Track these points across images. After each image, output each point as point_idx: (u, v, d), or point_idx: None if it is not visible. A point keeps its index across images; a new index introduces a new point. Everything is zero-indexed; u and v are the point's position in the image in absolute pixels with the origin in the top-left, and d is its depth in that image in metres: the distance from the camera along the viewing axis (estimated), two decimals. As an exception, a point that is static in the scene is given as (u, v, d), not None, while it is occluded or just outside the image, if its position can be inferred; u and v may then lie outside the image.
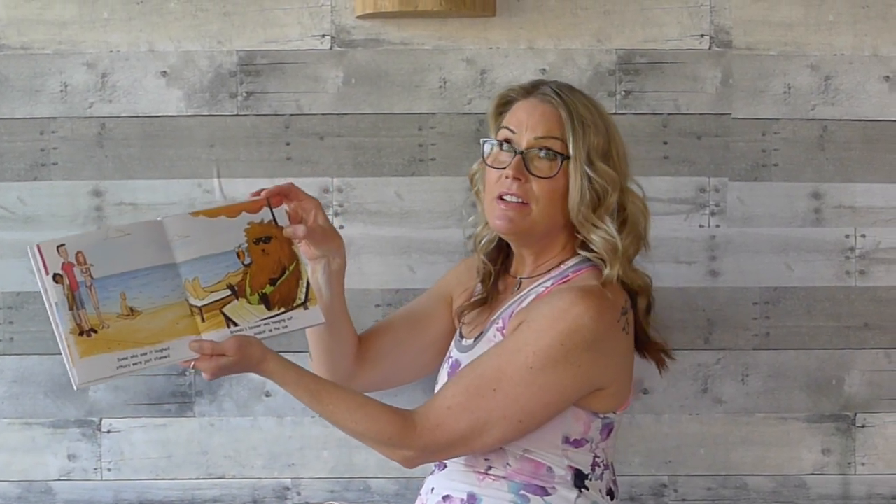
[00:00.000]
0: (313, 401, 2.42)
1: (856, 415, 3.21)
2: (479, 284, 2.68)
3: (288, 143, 3.15)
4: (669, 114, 3.15)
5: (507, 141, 2.55)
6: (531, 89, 2.58)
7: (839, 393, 3.20)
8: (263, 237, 2.50)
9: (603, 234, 2.49)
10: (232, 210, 2.50)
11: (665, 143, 3.15)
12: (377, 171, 3.16)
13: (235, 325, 2.43)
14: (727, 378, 3.19)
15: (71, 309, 2.31)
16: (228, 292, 2.44)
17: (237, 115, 3.15)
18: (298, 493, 3.20)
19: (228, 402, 3.16)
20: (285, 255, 2.52)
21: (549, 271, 2.55)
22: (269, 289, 2.47)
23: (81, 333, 2.31)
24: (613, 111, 3.11)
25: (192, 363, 2.39)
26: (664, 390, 3.18)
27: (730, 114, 3.16)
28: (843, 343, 3.19)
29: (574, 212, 2.49)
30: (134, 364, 2.35)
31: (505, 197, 2.51)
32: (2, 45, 3.12)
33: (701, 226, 3.16)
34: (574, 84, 2.73)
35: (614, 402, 2.49)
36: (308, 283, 2.52)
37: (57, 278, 2.32)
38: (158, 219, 2.44)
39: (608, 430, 2.50)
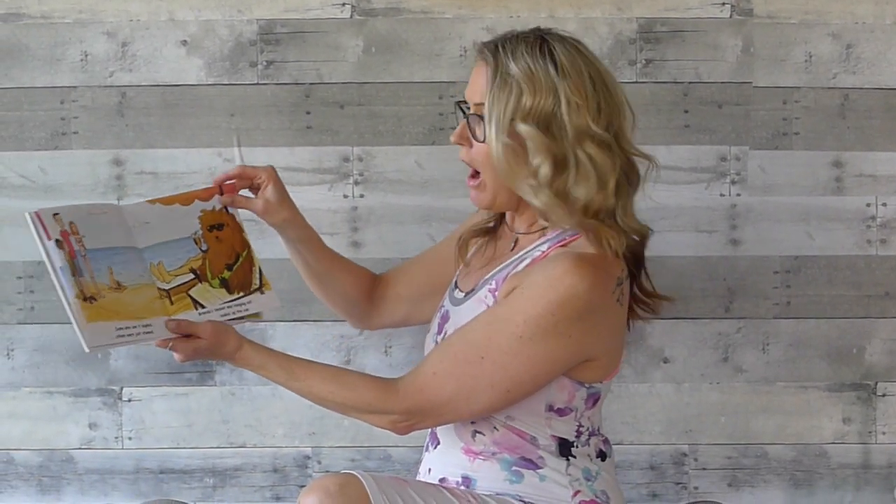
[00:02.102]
0: (289, 378, 2.41)
1: (876, 384, 3.20)
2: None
3: (308, 113, 3.15)
4: (690, 82, 3.14)
5: (461, 108, 2.49)
6: (481, 46, 2.47)
7: (860, 362, 3.20)
8: (216, 224, 2.50)
9: (528, 194, 2.37)
10: (185, 198, 2.50)
11: (686, 111, 3.14)
12: (397, 140, 3.16)
13: (203, 307, 2.43)
14: (748, 347, 3.19)
15: (73, 275, 2.31)
16: (192, 276, 2.44)
17: (257, 84, 3.15)
18: (319, 462, 3.20)
19: (249, 371, 3.15)
20: (238, 242, 2.52)
21: (544, 230, 2.46)
22: (227, 273, 2.48)
23: (85, 300, 2.30)
24: (634, 80, 3.11)
25: (169, 343, 2.38)
26: (685, 359, 3.18)
27: (751, 82, 3.15)
28: (864, 312, 3.19)
29: (501, 174, 2.39)
30: (128, 336, 2.34)
31: (468, 166, 2.47)
32: (22, 14, 3.12)
33: (722, 195, 3.16)
34: (595, 51, 2.56)
35: (602, 372, 2.44)
36: (261, 270, 2.53)
37: (58, 244, 2.32)
38: (117, 204, 2.46)
39: (594, 399, 2.45)
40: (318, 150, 3.16)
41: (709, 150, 3.15)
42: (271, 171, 2.59)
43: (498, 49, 2.41)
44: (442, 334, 2.52)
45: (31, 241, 3.10)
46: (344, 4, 3.13)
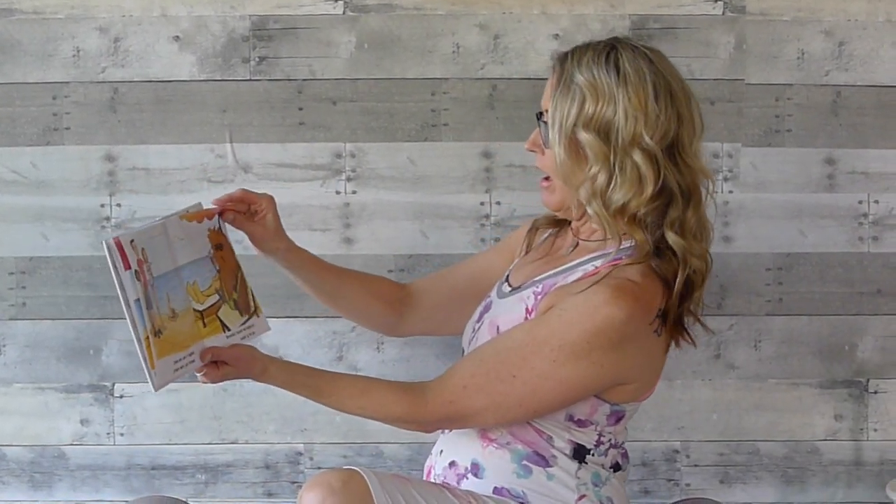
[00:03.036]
0: (316, 395, 2.41)
1: (868, 381, 3.21)
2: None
3: (300, 109, 3.15)
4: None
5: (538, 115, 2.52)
6: (557, 55, 2.51)
7: (852, 359, 3.20)
8: (218, 244, 2.43)
9: (584, 200, 2.40)
10: (198, 216, 2.42)
11: (678, 108, 3.14)
12: (390, 137, 3.16)
13: (228, 329, 2.39)
14: (740, 344, 3.19)
15: (148, 308, 2.20)
16: (217, 297, 2.39)
17: (250, 80, 3.14)
18: (311, 458, 3.20)
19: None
20: (234, 263, 2.46)
21: (601, 241, 2.46)
22: (235, 295, 2.44)
23: (156, 334, 2.21)
24: (626, 77, 3.11)
25: (202, 371, 2.35)
26: (677, 356, 3.15)
27: (743, 79, 3.15)
28: (856, 309, 3.19)
29: (562, 178, 2.43)
30: (181, 367, 2.26)
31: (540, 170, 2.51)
32: (14, 10, 3.12)
33: (715, 192, 3.15)
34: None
35: (631, 395, 2.45)
36: (252, 291, 2.48)
37: (136, 275, 2.20)
38: (160, 220, 2.33)
39: (616, 416, 2.46)
40: (310, 146, 3.16)
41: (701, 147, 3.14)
42: (271, 200, 2.56)
43: (567, 57, 2.45)
44: (481, 322, 2.54)
45: (22, 236, 3.14)
46: (337, 1, 3.13)
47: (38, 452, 3.20)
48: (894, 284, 3.18)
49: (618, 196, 2.37)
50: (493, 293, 2.59)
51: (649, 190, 2.37)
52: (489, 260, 2.74)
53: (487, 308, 2.55)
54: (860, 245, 3.18)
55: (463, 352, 2.58)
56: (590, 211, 2.41)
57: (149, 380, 2.20)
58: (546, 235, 2.64)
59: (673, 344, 2.50)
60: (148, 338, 2.19)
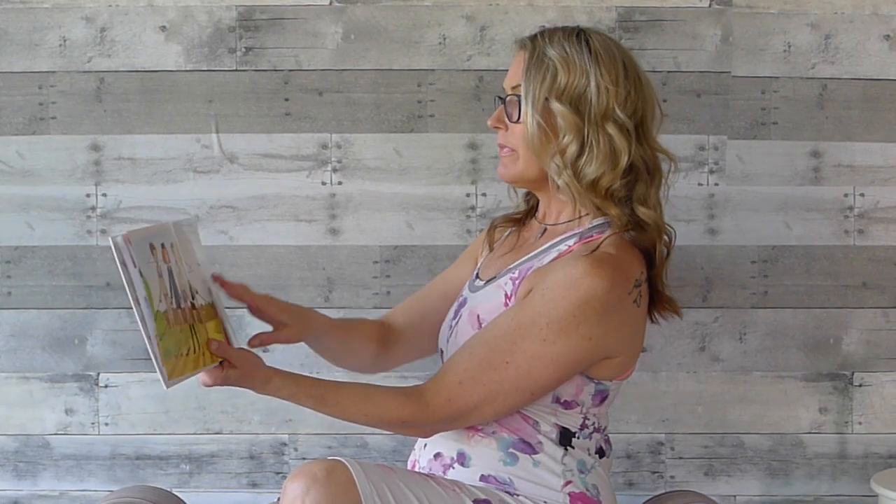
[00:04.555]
0: (320, 405, 2.39)
1: (853, 374, 3.21)
2: (523, 203, 2.66)
3: (287, 99, 3.15)
4: (669, 71, 3.15)
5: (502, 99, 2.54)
6: (522, 38, 2.56)
7: (837, 352, 3.20)
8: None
9: (554, 172, 2.44)
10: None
11: (664, 100, 3.12)
12: (376, 128, 3.15)
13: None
14: (725, 336, 3.19)
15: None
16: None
17: (236, 70, 3.14)
18: (296, 449, 3.20)
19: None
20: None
21: (570, 222, 2.51)
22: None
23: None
24: (613, 69, 3.11)
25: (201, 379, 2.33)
26: (661, 348, 3.19)
27: (729, 72, 3.15)
28: (841, 302, 3.19)
29: (533, 150, 2.45)
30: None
31: (501, 145, 2.52)
32: (0, -1, 3.12)
33: (700, 184, 3.16)
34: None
35: (615, 371, 2.47)
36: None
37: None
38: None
39: (601, 396, 2.47)
40: (296, 136, 3.15)
41: (687, 140, 3.15)
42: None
43: (536, 37, 2.50)
44: (457, 318, 2.54)
45: (7, 226, 3.14)
46: (323, -9, 3.14)
47: (23, 442, 3.20)
48: (879, 278, 3.18)
49: (590, 170, 2.42)
50: (465, 291, 2.60)
51: (623, 162, 2.42)
52: (457, 273, 2.74)
53: (463, 304, 2.56)
54: (846, 238, 3.18)
55: (441, 353, 2.58)
56: (560, 182, 2.45)
57: (160, 377, 2.17)
58: (507, 233, 2.66)
59: (658, 318, 2.55)
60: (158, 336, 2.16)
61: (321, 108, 3.15)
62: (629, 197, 2.45)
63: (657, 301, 2.53)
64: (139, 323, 2.13)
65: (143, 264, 2.14)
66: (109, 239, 2.12)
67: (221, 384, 2.34)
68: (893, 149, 3.17)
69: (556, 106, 2.42)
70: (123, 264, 2.12)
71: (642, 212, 2.45)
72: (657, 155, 2.49)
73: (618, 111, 2.42)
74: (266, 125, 3.15)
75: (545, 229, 2.53)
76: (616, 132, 2.41)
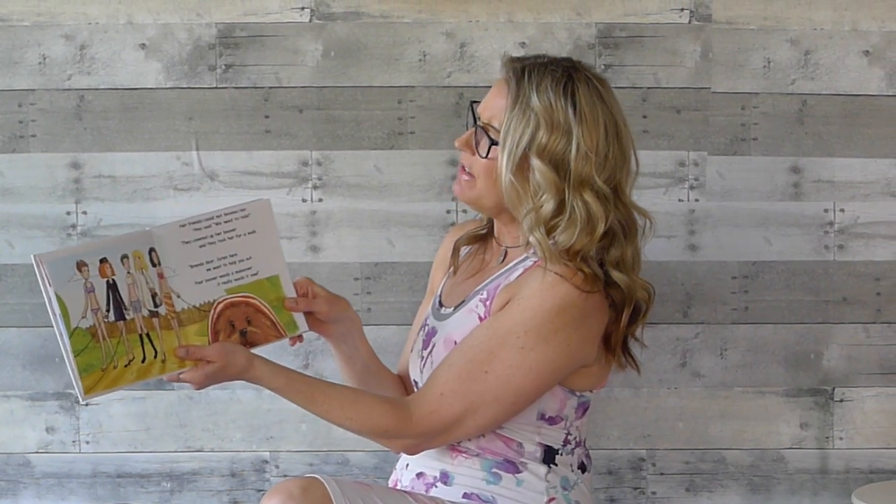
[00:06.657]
0: (306, 402, 2.39)
1: (834, 389, 3.21)
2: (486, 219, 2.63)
3: (267, 116, 3.15)
4: (649, 87, 3.15)
5: (473, 110, 2.52)
6: (508, 63, 2.52)
7: (817, 367, 3.20)
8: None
9: (526, 226, 2.42)
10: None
11: (644, 116, 3.15)
12: (356, 145, 3.16)
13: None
14: (706, 352, 3.19)
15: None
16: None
17: (216, 87, 3.14)
18: (277, 466, 3.20)
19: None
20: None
21: (528, 244, 2.48)
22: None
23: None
24: (593, 85, 3.11)
25: (179, 376, 2.35)
26: (642, 364, 3.17)
27: (709, 88, 3.16)
28: (822, 317, 3.19)
29: (505, 198, 2.44)
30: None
31: (463, 165, 2.50)
32: (-20, 17, 3.12)
33: (680, 200, 3.17)
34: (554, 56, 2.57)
35: (593, 380, 2.48)
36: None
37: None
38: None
39: (583, 408, 2.48)
40: (276, 153, 3.16)
41: (667, 156, 3.16)
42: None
43: (524, 75, 2.43)
44: (429, 349, 2.53)
45: (-13, 244, 3.14)
46: (303, 8, 3.13)
47: (3, 460, 3.19)
48: (859, 293, 3.19)
49: (564, 237, 2.39)
50: (430, 319, 2.58)
51: (600, 229, 2.39)
52: (426, 306, 2.72)
53: (432, 333, 2.54)
54: (826, 253, 3.18)
55: (415, 383, 2.58)
56: (531, 239, 2.42)
57: (76, 391, 2.22)
58: (468, 253, 2.64)
59: (616, 366, 2.53)
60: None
61: (301, 125, 3.15)
62: (602, 259, 2.41)
63: (623, 351, 2.51)
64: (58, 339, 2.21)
65: (62, 283, 2.20)
66: (31, 257, 2.20)
67: (204, 382, 2.34)
68: (873, 164, 3.17)
69: (536, 163, 2.39)
70: (42, 284, 2.21)
71: (616, 275, 2.41)
72: (632, 213, 2.46)
73: (596, 178, 2.38)
74: (246, 142, 3.15)
75: (506, 252, 2.53)
76: (593, 199, 2.38)
